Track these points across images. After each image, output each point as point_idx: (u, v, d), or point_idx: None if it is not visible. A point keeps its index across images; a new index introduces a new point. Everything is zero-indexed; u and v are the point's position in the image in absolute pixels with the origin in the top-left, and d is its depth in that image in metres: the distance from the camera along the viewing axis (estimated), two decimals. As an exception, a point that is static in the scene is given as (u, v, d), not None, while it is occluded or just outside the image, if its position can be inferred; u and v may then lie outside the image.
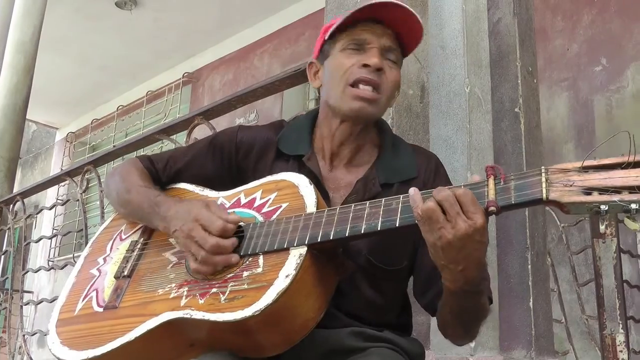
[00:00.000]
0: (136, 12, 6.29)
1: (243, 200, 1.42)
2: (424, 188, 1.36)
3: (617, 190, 1.03)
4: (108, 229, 1.62)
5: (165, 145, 6.50)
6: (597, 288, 3.65)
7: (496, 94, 2.75)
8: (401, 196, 1.21)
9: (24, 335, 3.94)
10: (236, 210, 1.41)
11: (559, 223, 3.91)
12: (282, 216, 1.31)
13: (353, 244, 1.36)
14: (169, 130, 3.08)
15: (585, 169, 1.07)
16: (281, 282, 1.18)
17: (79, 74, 7.61)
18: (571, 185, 1.06)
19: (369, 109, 1.41)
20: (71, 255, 6.66)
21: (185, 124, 2.97)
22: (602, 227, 1.11)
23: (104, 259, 1.52)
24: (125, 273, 1.42)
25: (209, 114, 2.87)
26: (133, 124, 7.72)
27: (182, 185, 1.57)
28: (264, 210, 1.36)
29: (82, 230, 3.55)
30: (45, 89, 7.48)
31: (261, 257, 1.26)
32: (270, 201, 1.37)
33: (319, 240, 1.23)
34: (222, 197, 1.47)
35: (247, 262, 1.27)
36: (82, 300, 1.44)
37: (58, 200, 3.90)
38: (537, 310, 2.55)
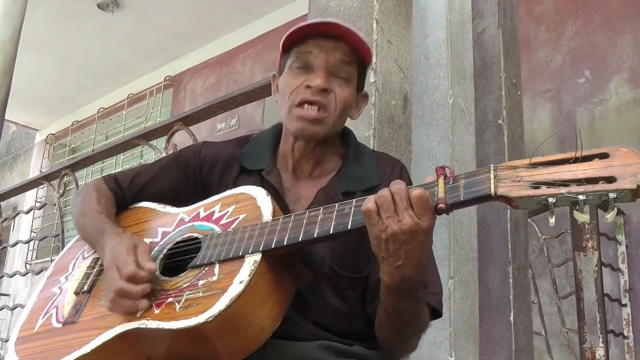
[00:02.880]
0: (118, 13, 6.21)
1: (202, 214, 1.43)
2: None
3: (565, 183, 1.04)
4: (71, 249, 1.63)
5: (145, 149, 6.43)
6: (578, 301, 3.64)
7: (479, 105, 2.73)
8: (354, 200, 1.22)
9: (-4, 342, 3.86)
10: (195, 224, 1.42)
11: (540, 235, 3.90)
12: (239, 226, 1.32)
13: (315, 252, 1.36)
14: (148, 136, 3.05)
15: (534, 165, 1.09)
16: (235, 288, 1.19)
17: (60, 74, 7.49)
18: (519, 181, 1.07)
19: (314, 129, 1.42)
20: (49, 258, 6.55)
21: (164, 130, 2.94)
22: (551, 221, 1.11)
23: (66, 277, 1.52)
24: (85, 289, 1.42)
25: (188, 120, 2.85)
26: (114, 126, 7.61)
27: (144, 204, 1.58)
28: (222, 222, 1.37)
29: (59, 235, 3.48)
30: (25, 89, 7.38)
31: (217, 265, 1.27)
32: (228, 213, 1.38)
33: (272, 246, 1.24)
34: (182, 212, 1.48)
35: (203, 271, 1.28)
36: (42, 318, 1.44)
37: (37, 203, 3.82)
38: (518, 325, 2.52)
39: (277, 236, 1.24)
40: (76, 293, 1.42)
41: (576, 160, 1.04)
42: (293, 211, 1.42)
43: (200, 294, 1.22)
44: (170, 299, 1.25)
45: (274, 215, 1.31)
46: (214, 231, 1.35)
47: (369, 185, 1.43)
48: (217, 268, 1.26)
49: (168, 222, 1.47)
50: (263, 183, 1.45)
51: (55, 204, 3.54)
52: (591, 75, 4.33)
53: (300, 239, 1.22)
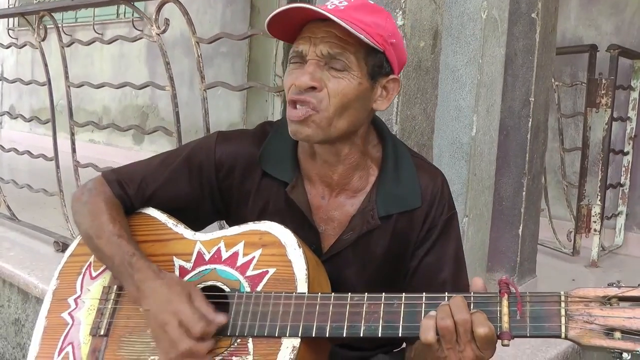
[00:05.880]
0: None
1: (224, 254, 1.32)
2: (427, 218, 1.34)
3: None
4: (75, 258, 1.49)
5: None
6: (583, 159, 3.62)
7: (514, -10, 2.40)
8: (403, 295, 1.14)
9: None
10: (217, 267, 1.31)
11: (553, 80, 3.71)
12: (270, 289, 1.23)
13: (346, 281, 1.33)
14: (132, -2, 2.71)
15: (609, 300, 1.02)
16: None
17: None
18: (592, 323, 1.02)
19: (305, 131, 1.25)
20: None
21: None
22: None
23: (75, 301, 1.42)
24: (102, 332, 1.34)
25: (180, -5, 2.50)
26: None
27: (152, 213, 1.45)
28: (249, 273, 1.27)
29: (46, 83, 3.26)
30: None
31: (250, 341, 1.21)
32: (254, 261, 1.28)
33: (313, 334, 1.17)
34: (199, 241, 1.36)
35: (236, 344, 1.22)
36: (58, 355, 1.37)
37: (13, 41, 3.53)
38: (525, 236, 2.53)
39: (317, 322, 1.16)
40: (92, 334, 1.35)
41: None
42: (324, 232, 1.35)
43: None
44: None
45: (308, 278, 1.21)
46: (241, 285, 1.26)
47: (408, 208, 1.33)
48: (251, 345, 1.20)
49: (185, 253, 1.35)
50: (287, 201, 1.35)
51: (37, 48, 3.26)
52: None
53: (344, 334, 1.15)
